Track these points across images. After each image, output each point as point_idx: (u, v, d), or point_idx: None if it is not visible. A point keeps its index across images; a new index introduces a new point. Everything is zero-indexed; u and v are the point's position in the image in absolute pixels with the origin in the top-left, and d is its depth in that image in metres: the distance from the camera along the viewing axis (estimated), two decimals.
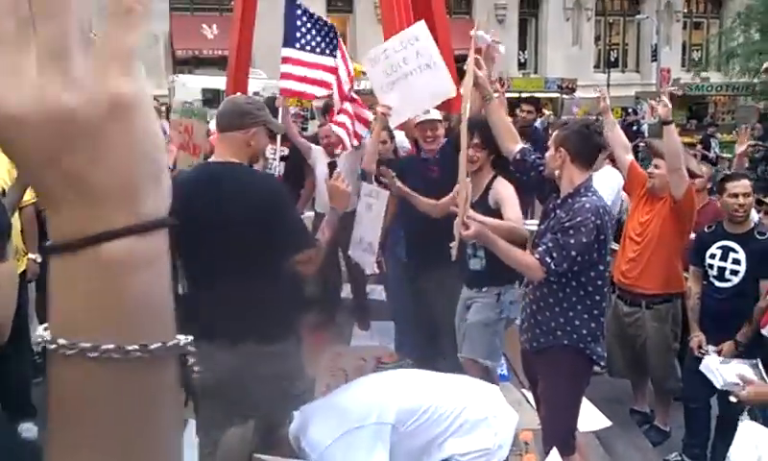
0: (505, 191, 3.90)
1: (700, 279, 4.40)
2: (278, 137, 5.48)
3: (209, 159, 3.10)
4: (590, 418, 4.56)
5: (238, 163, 2.90)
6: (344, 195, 3.02)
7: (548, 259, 3.10)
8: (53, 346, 0.46)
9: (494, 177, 4.04)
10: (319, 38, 5.74)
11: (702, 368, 3.89)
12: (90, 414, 0.47)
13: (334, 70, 5.70)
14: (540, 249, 3.17)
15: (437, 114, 4.83)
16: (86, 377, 0.46)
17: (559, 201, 3.27)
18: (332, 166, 5.65)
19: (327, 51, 5.75)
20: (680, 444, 4.62)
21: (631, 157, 4.87)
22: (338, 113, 5.59)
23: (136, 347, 0.46)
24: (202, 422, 3.09)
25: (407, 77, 4.79)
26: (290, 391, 2.95)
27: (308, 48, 5.67)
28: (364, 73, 20.16)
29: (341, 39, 6.05)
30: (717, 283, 4.26)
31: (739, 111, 20.80)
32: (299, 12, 5.73)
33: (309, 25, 5.75)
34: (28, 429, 4.34)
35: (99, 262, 0.46)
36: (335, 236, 3.01)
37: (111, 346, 0.45)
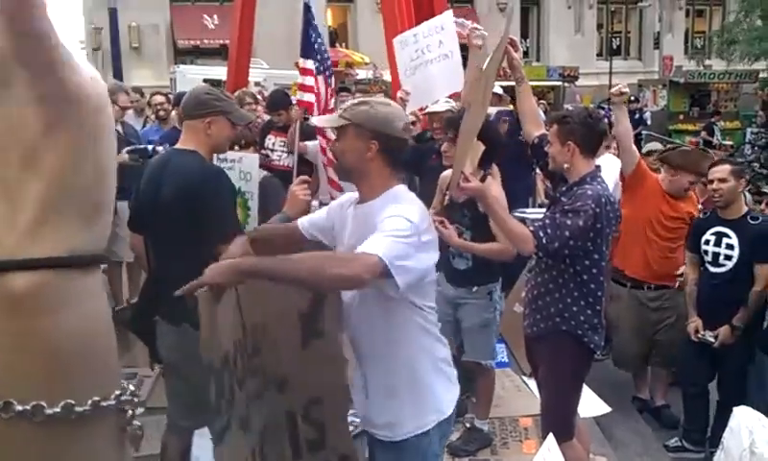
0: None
1: (696, 265, 4.45)
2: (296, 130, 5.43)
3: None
4: (590, 404, 4.60)
5: (190, 150, 2.98)
6: (300, 203, 2.83)
7: (541, 234, 3.10)
8: None
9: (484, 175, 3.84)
10: (324, 55, 5.75)
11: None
12: None
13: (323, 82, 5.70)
14: (536, 224, 3.20)
15: (445, 105, 4.85)
16: (5, 441, 0.36)
17: (564, 188, 3.29)
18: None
19: (324, 70, 5.75)
20: (679, 430, 4.66)
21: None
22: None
23: (58, 409, 0.35)
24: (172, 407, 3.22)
25: (428, 64, 4.86)
26: None
27: (318, 60, 5.67)
28: (366, 63, 20.01)
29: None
30: (712, 269, 4.31)
31: (742, 99, 20.70)
32: (313, 22, 5.73)
33: (321, 39, 5.78)
34: None
35: (5, 298, 0.35)
36: None
37: (27, 407, 0.35)
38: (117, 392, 0.37)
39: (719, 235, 4.27)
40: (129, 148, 5.62)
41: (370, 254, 2.09)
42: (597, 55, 28.40)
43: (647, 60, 28.61)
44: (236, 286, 2.18)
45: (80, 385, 0.36)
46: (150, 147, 5.59)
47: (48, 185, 0.36)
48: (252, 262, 2.23)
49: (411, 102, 4.89)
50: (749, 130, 18.30)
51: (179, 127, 5.01)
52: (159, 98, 7.76)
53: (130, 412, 0.38)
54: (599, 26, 28.85)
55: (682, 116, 19.74)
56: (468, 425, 4.28)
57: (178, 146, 3.07)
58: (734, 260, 4.21)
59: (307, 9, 5.67)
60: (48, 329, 0.35)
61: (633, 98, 18.97)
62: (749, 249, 4.18)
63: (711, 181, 4.27)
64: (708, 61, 24.50)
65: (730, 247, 4.23)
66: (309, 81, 5.61)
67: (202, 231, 2.84)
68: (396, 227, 2.17)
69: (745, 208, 4.32)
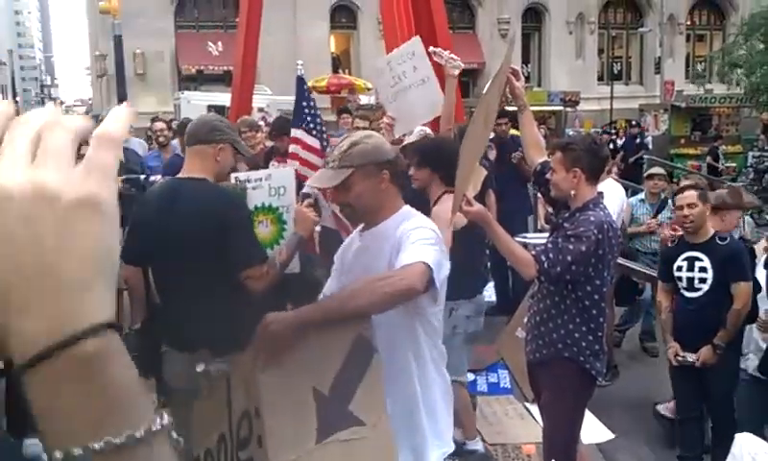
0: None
1: (669, 293, 4.48)
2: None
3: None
4: (593, 430, 4.58)
5: (200, 178, 2.95)
6: (308, 221, 3.08)
7: (543, 258, 3.12)
8: None
9: (444, 193, 3.77)
10: (316, 123, 5.51)
11: None
12: None
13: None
14: (538, 248, 3.21)
15: (422, 132, 4.89)
16: None
17: (567, 214, 3.31)
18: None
19: (319, 136, 5.51)
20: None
21: None
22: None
23: (123, 439, 0.48)
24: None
25: (407, 91, 4.91)
26: None
27: (308, 129, 5.27)
28: (369, 89, 20.15)
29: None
30: (688, 294, 4.33)
31: (743, 123, 20.75)
32: (308, 93, 5.45)
33: (313, 107, 5.51)
34: (34, 444, 4.39)
35: (81, 360, 0.47)
36: (291, 258, 3.08)
37: (102, 444, 0.47)
38: (158, 424, 0.53)
39: (691, 260, 4.30)
40: (122, 177, 5.67)
41: (416, 262, 2.07)
42: (598, 80, 28.59)
43: (648, 84, 28.78)
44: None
45: (143, 413, 0.50)
46: (142, 176, 5.59)
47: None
48: (300, 312, 2.15)
49: (397, 127, 4.96)
50: (750, 153, 18.34)
51: (182, 154, 5.00)
52: (160, 124, 7.79)
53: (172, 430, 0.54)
54: (600, 51, 29.08)
55: (683, 140, 19.78)
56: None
57: (183, 174, 3.04)
58: (709, 282, 4.24)
59: (301, 81, 5.54)
60: (111, 377, 0.48)
61: (634, 122, 19.05)
62: (721, 269, 4.21)
63: (681, 208, 4.31)
64: (708, 86, 24.59)
65: (703, 270, 4.26)
66: (296, 150, 5.17)
67: (226, 257, 2.83)
68: (425, 236, 2.20)
69: (712, 231, 4.36)
